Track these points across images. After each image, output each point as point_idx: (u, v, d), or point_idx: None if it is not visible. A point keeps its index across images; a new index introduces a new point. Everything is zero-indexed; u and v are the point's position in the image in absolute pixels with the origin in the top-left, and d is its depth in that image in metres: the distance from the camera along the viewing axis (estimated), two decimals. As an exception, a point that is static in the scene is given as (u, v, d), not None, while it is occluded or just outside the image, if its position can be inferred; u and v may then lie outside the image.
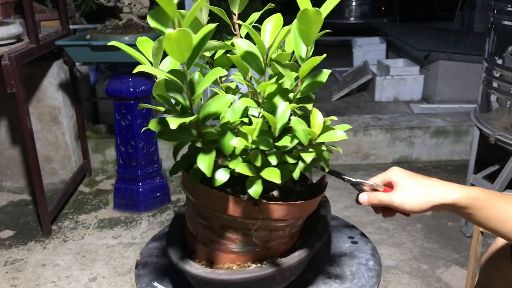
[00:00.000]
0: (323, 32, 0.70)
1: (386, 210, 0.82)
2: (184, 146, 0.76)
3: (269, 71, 0.73)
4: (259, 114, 0.72)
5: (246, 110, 0.72)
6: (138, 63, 0.69)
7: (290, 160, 0.70)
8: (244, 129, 0.66)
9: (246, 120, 0.72)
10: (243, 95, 0.75)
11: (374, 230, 2.10)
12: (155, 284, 0.87)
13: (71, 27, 2.60)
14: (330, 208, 0.92)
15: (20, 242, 2.15)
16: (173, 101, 0.69)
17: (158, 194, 2.39)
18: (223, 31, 2.74)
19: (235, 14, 0.74)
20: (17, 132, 2.61)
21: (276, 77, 0.72)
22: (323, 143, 0.71)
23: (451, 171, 2.74)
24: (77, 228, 2.25)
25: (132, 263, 1.95)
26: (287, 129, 0.72)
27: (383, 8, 5.48)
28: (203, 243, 0.79)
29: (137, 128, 2.27)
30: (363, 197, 0.81)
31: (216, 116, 0.67)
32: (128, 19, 2.19)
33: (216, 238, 0.77)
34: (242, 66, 0.71)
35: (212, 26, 0.61)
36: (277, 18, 0.71)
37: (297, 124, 0.70)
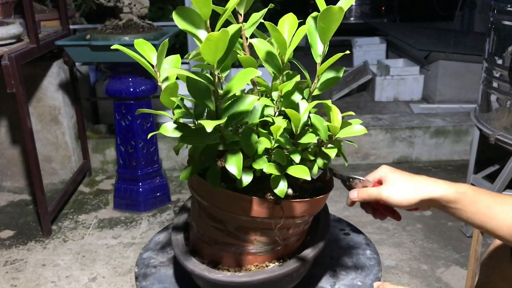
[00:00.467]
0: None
1: (377, 211, 0.84)
2: (181, 147, 0.76)
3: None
4: (275, 113, 0.72)
5: (263, 110, 0.72)
6: (138, 64, 0.69)
7: (310, 157, 0.70)
8: (271, 128, 0.67)
9: (265, 119, 0.72)
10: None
11: (374, 230, 2.10)
12: None
13: (71, 27, 2.60)
14: (326, 204, 0.93)
15: (20, 242, 2.15)
16: (187, 104, 0.68)
17: (158, 194, 2.39)
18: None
19: (240, 15, 0.74)
20: (17, 132, 2.61)
21: (295, 75, 0.73)
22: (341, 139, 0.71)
23: (451, 171, 2.74)
24: (77, 228, 2.25)
25: (132, 263, 1.95)
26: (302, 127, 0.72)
27: (383, 8, 5.48)
28: (218, 247, 0.77)
29: (137, 128, 2.27)
30: (353, 194, 0.83)
31: (241, 117, 0.67)
32: (128, 19, 2.18)
33: (232, 241, 0.75)
34: (252, 64, 0.70)
35: (238, 26, 0.61)
36: (292, 17, 0.71)
37: (317, 121, 0.71)
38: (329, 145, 0.73)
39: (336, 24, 0.66)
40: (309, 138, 0.70)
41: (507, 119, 1.87)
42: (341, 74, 0.75)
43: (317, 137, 0.71)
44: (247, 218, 0.72)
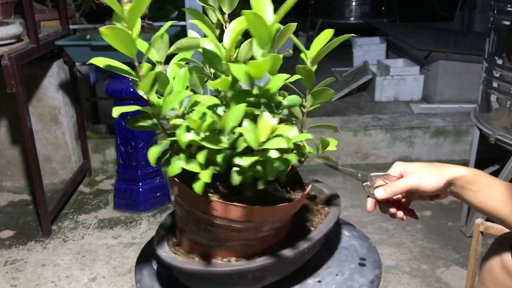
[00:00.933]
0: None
1: (397, 210, 0.84)
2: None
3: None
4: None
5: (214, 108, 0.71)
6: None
7: (241, 163, 0.67)
8: (191, 122, 0.65)
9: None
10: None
11: (374, 230, 2.10)
12: None
13: (71, 27, 2.60)
14: (337, 213, 0.90)
15: (20, 242, 2.15)
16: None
17: (158, 194, 2.39)
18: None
19: (225, 13, 0.75)
20: (17, 132, 2.61)
21: (232, 78, 0.70)
22: (269, 149, 0.66)
23: (451, 171, 2.74)
24: (77, 228, 2.25)
25: (132, 263, 1.95)
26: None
27: (383, 8, 5.47)
28: (185, 237, 0.80)
29: (137, 128, 2.27)
30: (380, 192, 0.82)
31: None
32: (128, 19, 2.18)
33: (187, 228, 0.78)
34: (259, 68, 0.69)
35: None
36: (240, 21, 0.70)
37: (247, 128, 0.66)
38: (253, 155, 0.68)
39: (264, 29, 0.66)
40: (239, 143, 0.67)
41: (507, 119, 1.87)
42: (297, 102, 0.76)
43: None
44: (190, 209, 0.74)
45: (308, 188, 0.81)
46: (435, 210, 2.31)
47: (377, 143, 2.82)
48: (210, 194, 0.73)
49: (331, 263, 0.90)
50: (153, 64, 0.73)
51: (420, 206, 2.32)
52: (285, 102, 0.74)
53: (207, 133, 0.66)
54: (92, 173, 2.79)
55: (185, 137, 0.66)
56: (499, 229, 1.26)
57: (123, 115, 2.26)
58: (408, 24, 5.13)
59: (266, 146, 0.65)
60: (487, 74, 1.99)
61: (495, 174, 2.01)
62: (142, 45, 0.71)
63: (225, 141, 0.67)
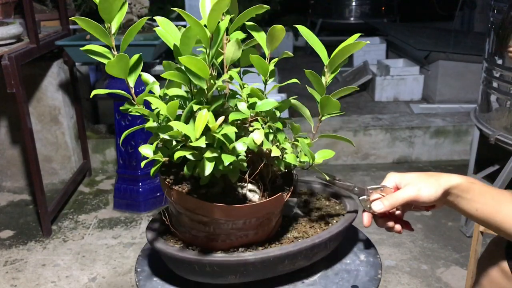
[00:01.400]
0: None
1: (395, 223, 0.83)
2: None
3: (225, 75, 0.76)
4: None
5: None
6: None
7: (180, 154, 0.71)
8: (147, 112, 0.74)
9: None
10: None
11: (374, 230, 2.10)
12: None
13: (71, 27, 2.60)
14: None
15: (20, 242, 2.15)
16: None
17: (158, 194, 2.39)
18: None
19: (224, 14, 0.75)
20: (17, 132, 2.61)
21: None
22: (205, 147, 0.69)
23: (451, 171, 2.73)
24: (77, 228, 2.25)
25: (132, 263, 1.95)
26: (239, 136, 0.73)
27: (383, 8, 5.48)
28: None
29: (137, 128, 2.27)
30: (379, 205, 0.80)
31: None
32: (128, 19, 2.18)
33: (172, 216, 0.85)
34: (263, 66, 0.73)
35: None
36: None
37: (181, 124, 0.71)
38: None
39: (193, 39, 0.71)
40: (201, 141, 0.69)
41: (507, 119, 1.87)
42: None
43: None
44: (167, 197, 0.80)
45: (287, 195, 0.81)
46: (435, 210, 2.31)
47: (377, 143, 2.82)
48: (180, 185, 0.78)
49: (320, 280, 0.87)
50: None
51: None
52: (258, 104, 0.75)
53: (163, 124, 0.73)
54: (92, 173, 2.79)
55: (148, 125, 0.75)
56: (499, 229, 1.26)
57: (123, 115, 2.26)
58: (408, 24, 5.14)
59: (199, 142, 0.66)
60: (487, 74, 1.99)
61: (495, 174, 2.02)
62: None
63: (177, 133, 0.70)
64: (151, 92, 0.80)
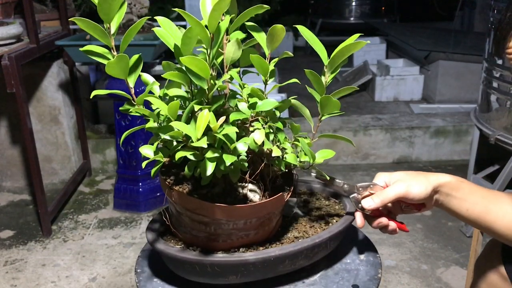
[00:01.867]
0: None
1: (387, 224, 0.83)
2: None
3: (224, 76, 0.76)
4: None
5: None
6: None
7: (182, 155, 0.70)
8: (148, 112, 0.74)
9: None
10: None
11: (374, 230, 2.10)
12: None
13: (71, 27, 2.60)
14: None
15: (20, 242, 2.15)
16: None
17: (158, 194, 2.39)
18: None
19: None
20: (17, 132, 2.61)
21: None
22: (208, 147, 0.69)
23: (451, 171, 2.73)
24: (77, 228, 2.25)
25: (132, 263, 1.95)
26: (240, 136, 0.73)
27: (383, 8, 5.48)
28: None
29: (137, 128, 2.27)
30: (369, 202, 0.80)
31: None
32: (128, 19, 2.18)
33: (172, 216, 0.85)
34: (263, 65, 0.74)
35: None
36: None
37: (183, 124, 0.71)
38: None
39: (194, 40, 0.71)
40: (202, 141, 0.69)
41: (507, 119, 1.87)
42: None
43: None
44: (167, 197, 0.80)
45: (287, 195, 0.81)
46: (435, 210, 2.30)
47: (377, 143, 2.82)
48: (180, 186, 0.78)
49: (320, 279, 0.87)
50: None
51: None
52: (258, 104, 0.75)
53: (164, 124, 0.73)
54: (92, 173, 2.79)
55: (148, 125, 0.74)
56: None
57: (123, 115, 2.26)
58: (408, 24, 5.14)
59: (201, 142, 0.66)
60: (487, 74, 1.99)
61: (495, 174, 2.02)
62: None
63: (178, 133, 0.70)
64: (151, 92, 0.80)
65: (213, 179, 0.75)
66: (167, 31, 0.75)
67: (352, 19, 5.42)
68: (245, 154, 0.72)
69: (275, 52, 0.75)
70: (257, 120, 0.76)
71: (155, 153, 0.75)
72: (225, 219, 0.76)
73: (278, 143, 0.78)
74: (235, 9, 0.77)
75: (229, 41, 0.74)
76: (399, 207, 0.85)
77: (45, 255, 2.04)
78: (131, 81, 0.76)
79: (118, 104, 2.25)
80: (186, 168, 0.73)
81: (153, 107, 0.74)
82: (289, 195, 0.81)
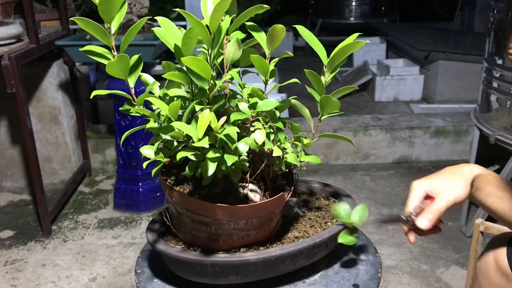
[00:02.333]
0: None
1: (437, 230, 0.85)
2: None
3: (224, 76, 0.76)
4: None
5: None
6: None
7: (184, 155, 0.70)
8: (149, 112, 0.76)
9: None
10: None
11: (374, 230, 2.10)
12: None
13: (71, 27, 2.60)
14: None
15: (20, 242, 2.15)
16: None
17: (158, 194, 2.39)
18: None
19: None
20: (17, 132, 2.61)
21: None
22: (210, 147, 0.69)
23: (451, 171, 2.74)
24: (77, 228, 2.25)
25: (132, 263, 1.95)
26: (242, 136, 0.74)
27: (383, 8, 5.48)
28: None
29: (137, 128, 2.27)
30: (424, 221, 0.81)
31: None
32: (128, 19, 2.18)
33: (173, 216, 0.86)
34: (263, 65, 0.74)
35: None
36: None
37: (185, 125, 0.71)
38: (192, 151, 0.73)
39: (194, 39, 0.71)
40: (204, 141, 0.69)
41: (507, 119, 1.87)
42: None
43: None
44: (168, 198, 0.81)
45: (288, 195, 0.81)
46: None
47: (377, 143, 2.82)
48: (181, 186, 0.78)
49: (321, 279, 0.87)
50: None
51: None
52: (259, 104, 0.75)
53: (165, 124, 0.74)
54: (92, 173, 2.79)
55: (149, 125, 0.76)
56: (499, 229, 1.26)
57: (123, 115, 2.26)
58: (408, 24, 5.13)
59: (202, 142, 0.66)
60: (487, 74, 1.99)
61: (495, 174, 2.02)
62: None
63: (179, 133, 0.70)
64: (151, 92, 0.80)
65: (214, 179, 0.75)
66: (167, 31, 0.75)
67: (352, 19, 5.42)
68: (246, 154, 0.72)
69: (275, 52, 0.75)
70: (258, 120, 0.76)
71: (156, 153, 0.75)
72: (226, 219, 0.76)
73: (278, 143, 0.78)
74: (235, 9, 0.77)
75: (229, 41, 0.74)
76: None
77: (45, 255, 2.04)
78: (131, 81, 0.75)
79: (118, 104, 2.25)
80: (187, 168, 0.73)
81: (154, 107, 0.74)
82: (289, 195, 0.81)
